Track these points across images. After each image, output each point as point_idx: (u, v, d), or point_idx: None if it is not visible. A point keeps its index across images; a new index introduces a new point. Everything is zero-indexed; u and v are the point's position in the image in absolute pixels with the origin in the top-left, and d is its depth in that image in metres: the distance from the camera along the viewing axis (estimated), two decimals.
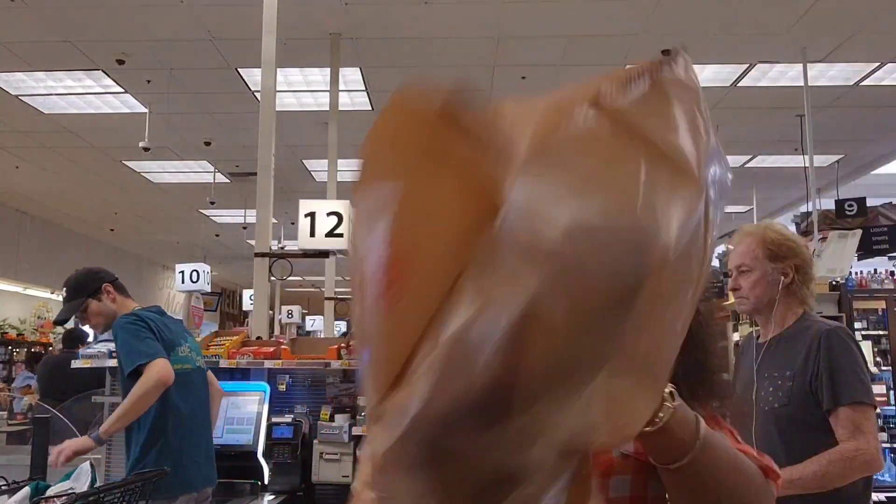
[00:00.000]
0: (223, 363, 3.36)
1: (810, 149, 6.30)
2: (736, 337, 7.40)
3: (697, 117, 0.60)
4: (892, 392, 5.79)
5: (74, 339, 6.56)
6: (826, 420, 1.85)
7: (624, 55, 6.06)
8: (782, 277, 1.96)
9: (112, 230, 13.13)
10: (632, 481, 0.77)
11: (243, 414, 3.32)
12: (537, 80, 6.47)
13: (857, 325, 5.98)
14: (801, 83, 6.15)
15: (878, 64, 6.30)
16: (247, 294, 13.43)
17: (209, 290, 9.59)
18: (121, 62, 6.19)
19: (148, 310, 2.89)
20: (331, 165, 6.59)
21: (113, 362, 2.92)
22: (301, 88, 6.87)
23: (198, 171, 9.50)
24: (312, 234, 4.32)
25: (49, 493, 2.06)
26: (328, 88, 6.40)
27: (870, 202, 7.50)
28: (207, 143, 8.37)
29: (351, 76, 6.54)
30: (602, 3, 5.27)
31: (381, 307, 0.53)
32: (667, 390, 0.63)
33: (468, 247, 0.50)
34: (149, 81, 6.59)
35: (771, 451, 0.98)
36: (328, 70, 6.17)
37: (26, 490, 2.11)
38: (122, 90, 6.85)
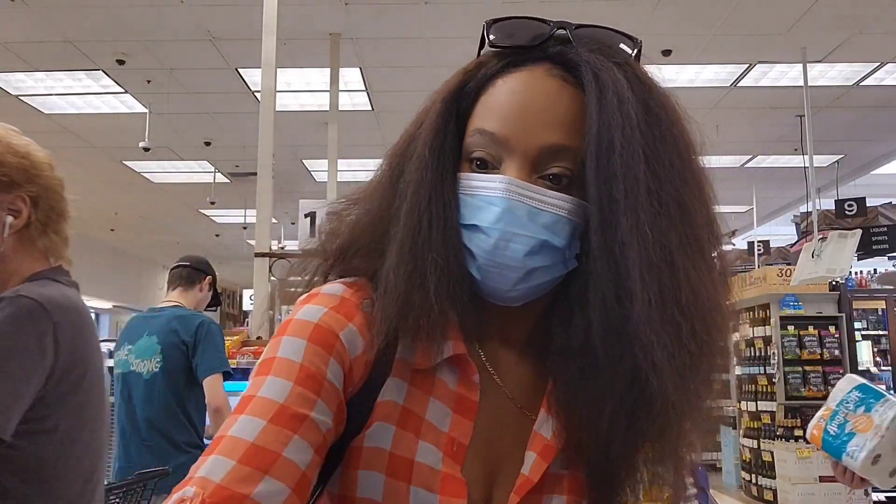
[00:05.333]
0: None
1: (810, 149, 6.30)
2: (736, 337, 7.40)
3: None
4: (890, 392, 5.80)
5: None
6: None
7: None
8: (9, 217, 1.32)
9: (113, 230, 13.13)
10: (567, 502, 0.72)
11: None
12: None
13: (856, 325, 6.00)
14: (801, 83, 6.15)
15: (878, 64, 6.30)
16: (247, 294, 13.44)
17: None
18: (121, 62, 6.19)
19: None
20: (331, 165, 6.59)
21: (111, 362, 2.93)
22: (301, 88, 6.86)
23: (198, 171, 9.50)
24: (312, 234, 4.33)
25: None
26: (328, 88, 6.40)
27: (869, 202, 7.51)
28: (207, 143, 8.37)
29: (351, 76, 6.54)
30: (602, 3, 5.27)
31: None
32: None
33: None
34: (149, 81, 6.59)
35: None
36: (328, 70, 6.17)
37: None
38: (122, 90, 6.84)
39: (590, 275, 0.64)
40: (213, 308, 3.19)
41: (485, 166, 0.67)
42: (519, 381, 0.72)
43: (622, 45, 0.71)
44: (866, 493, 4.13)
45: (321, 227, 0.77)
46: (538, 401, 0.71)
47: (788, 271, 5.67)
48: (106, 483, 2.35)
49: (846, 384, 2.30)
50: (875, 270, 7.50)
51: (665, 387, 0.61)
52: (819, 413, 2.31)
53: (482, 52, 0.72)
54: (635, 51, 0.71)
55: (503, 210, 0.64)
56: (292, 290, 0.79)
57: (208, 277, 3.07)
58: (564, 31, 0.69)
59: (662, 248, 0.62)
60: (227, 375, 2.79)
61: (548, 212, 0.65)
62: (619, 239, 0.62)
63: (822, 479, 4.34)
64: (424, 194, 0.67)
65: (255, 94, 6.65)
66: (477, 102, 0.69)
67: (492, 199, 0.65)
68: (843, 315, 5.43)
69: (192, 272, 3.03)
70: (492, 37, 0.70)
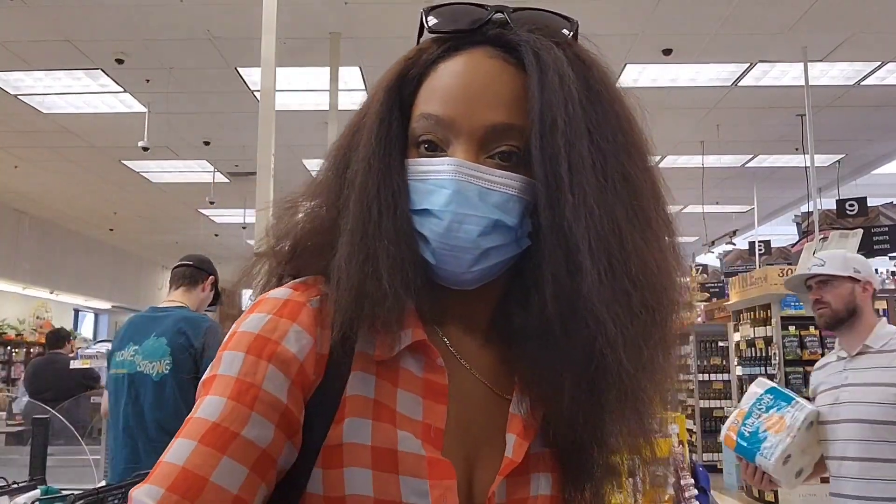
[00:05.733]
0: None
1: (811, 148, 6.30)
2: (737, 337, 7.40)
3: None
4: None
5: (61, 339, 6.52)
6: None
7: (624, 55, 6.05)
8: None
9: (111, 230, 13.12)
10: (554, 479, 0.74)
11: None
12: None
13: None
14: (802, 83, 6.15)
15: (878, 63, 6.29)
16: (246, 294, 13.43)
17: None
18: (120, 61, 6.18)
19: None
20: None
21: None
22: (301, 88, 6.85)
23: (197, 171, 9.49)
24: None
25: None
26: (328, 88, 6.39)
27: (871, 202, 7.51)
28: (207, 143, 8.36)
29: (351, 76, 6.53)
30: (602, 3, 5.26)
31: None
32: None
33: None
34: (148, 81, 6.58)
35: None
36: (328, 70, 6.16)
37: (36, 492, 2.10)
38: (122, 89, 6.83)
39: (541, 252, 0.65)
40: (213, 307, 3.18)
41: (433, 149, 0.67)
42: (488, 365, 0.72)
43: (560, 26, 0.71)
44: None
45: (269, 229, 0.76)
46: (510, 382, 0.72)
47: (789, 271, 5.66)
48: (106, 483, 2.35)
49: (758, 387, 2.36)
50: (876, 270, 7.49)
51: (619, 356, 0.63)
52: (732, 416, 2.38)
53: (422, 40, 0.73)
54: (573, 32, 0.71)
55: (454, 192, 0.64)
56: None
57: (211, 277, 3.05)
58: (502, 15, 0.70)
59: (610, 222, 0.63)
60: None
61: (498, 191, 0.65)
62: (566, 215, 0.63)
63: (822, 479, 4.33)
64: (372, 183, 0.66)
65: (255, 93, 6.64)
66: (420, 88, 0.69)
67: (442, 181, 0.65)
68: None
69: (194, 272, 3.01)
70: (431, 23, 0.71)
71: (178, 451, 0.59)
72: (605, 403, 0.66)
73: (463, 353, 0.72)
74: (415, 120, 0.69)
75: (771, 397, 2.29)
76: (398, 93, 0.70)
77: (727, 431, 2.33)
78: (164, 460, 0.59)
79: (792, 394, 2.32)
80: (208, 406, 0.61)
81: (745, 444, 2.26)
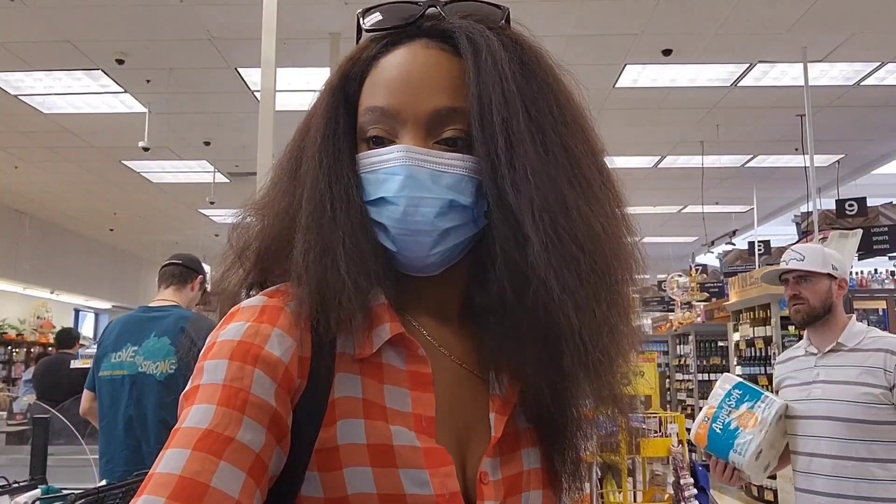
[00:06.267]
0: None
1: (811, 148, 6.30)
2: (736, 337, 7.40)
3: None
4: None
5: (71, 339, 6.55)
6: None
7: (624, 55, 6.05)
8: None
9: (112, 230, 13.13)
10: (546, 496, 0.75)
11: None
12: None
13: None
14: (802, 83, 6.15)
15: (878, 63, 6.29)
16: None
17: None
18: (120, 62, 6.18)
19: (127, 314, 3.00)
20: None
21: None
22: (301, 88, 6.85)
23: (197, 171, 9.49)
24: None
25: None
26: None
27: (870, 202, 7.51)
28: (207, 143, 8.36)
29: None
30: (602, 3, 5.26)
31: None
32: None
33: None
34: (148, 81, 6.58)
35: None
36: (328, 70, 6.16)
37: (36, 492, 2.10)
38: (122, 90, 6.83)
39: (493, 229, 0.67)
40: (199, 306, 3.18)
41: (381, 143, 0.69)
42: (466, 348, 0.74)
43: (492, 13, 0.74)
44: None
45: (231, 241, 0.77)
46: (486, 362, 0.74)
47: None
48: (106, 483, 2.35)
49: (725, 383, 2.36)
50: (876, 270, 7.49)
51: (572, 320, 0.64)
52: (702, 413, 2.37)
53: (360, 40, 0.75)
54: (504, 17, 0.74)
55: (406, 177, 0.66)
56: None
57: (200, 276, 3.05)
58: (435, 8, 0.72)
59: (553, 192, 0.65)
60: None
61: (449, 173, 0.67)
62: (508, 189, 0.65)
63: None
64: (323, 179, 0.68)
65: (255, 93, 6.64)
66: (363, 85, 0.71)
67: (393, 168, 0.67)
68: None
69: (184, 271, 3.01)
70: (368, 23, 0.73)
71: (172, 460, 0.57)
72: (565, 368, 0.67)
73: (440, 340, 0.73)
74: (361, 115, 0.70)
75: (740, 392, 2.29)
76: (343, 92, 0.72)
77: (697, 430, 2.32)
78: (158, 472, 0.56)
79: (760, 389, 2.32)
80: (196, 415, 0.59)
81: (717, 442, 2.26)
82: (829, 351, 2.28)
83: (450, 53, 0.70)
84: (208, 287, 3.12)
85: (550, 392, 0.70)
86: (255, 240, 0.74)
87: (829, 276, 2.31)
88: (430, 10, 0.72)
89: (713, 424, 2.28)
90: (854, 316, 2.38)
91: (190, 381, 0.64)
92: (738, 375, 2.55)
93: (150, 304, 2.99)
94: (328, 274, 0.65)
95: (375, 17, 0.73)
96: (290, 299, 0.67)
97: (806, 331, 2.39)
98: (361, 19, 0.74)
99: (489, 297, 0.69)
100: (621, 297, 0.70)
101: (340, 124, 0.71)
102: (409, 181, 0.66)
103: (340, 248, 0.65)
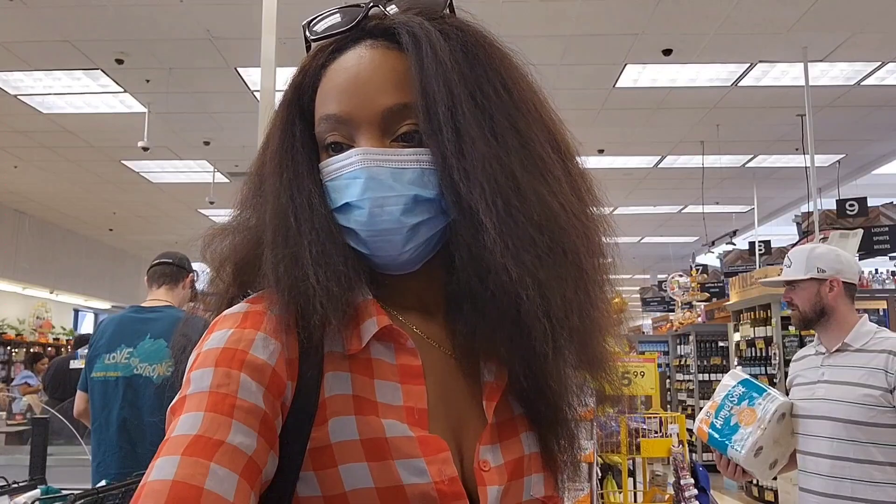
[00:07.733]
0: None
1: (811, 148, 6.29)
2: (737, 337, 7.40)
3: None
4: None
5: (86, 342, 6.59)
6: None
7: (624, 55, 6.05)
8: None
9: (111, 230, 13.12)
10: (546, 479, 0.75)
11: None
12: (537, 79, 6.46)
13: None
14: (802, 83, 6.14)
15: (879, 63, 6.29)
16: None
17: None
18: (120, 62, 6.18)
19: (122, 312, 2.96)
20: None
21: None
22: None
23: (197, 171, 9.49)
24: None
25: None
26: None
27: (871, 202, 7.51)
28: (206, 143, 8.36)
29: None
30: (602, 3, 5.26)
31: None
32: None
33: None
34: (148, 81, 6.57)
35: None
36: None
37: (36, 492, 2.09)
38: (121, 89, 6.83)
39: (453, 220, 0.67)
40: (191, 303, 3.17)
41: (341, 148, 0.69)
42: (453, 340, 0.74)
43: (433, 3, 0.74)
44: None
45: (205, 257, 0.78)
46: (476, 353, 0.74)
47: None
48: (105, 483, 2.34)
49: (731, 379, 2.36)
50: (876, 271, 7.49)
51: (535, 300, 0.65)
52: (705, 408, 2.38)
53: (309, 51, 0.76)
54: (446, 5, 0.74)
55: (366, 179, 0.66)
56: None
57: (191, 275, 3.03)
58: (377, 7, 0.73)
59: (504, 175, 0.65)
60: None
61: (409, 168, 0.67)
62: (461, 178, 0.65)
63: None
64: (285, 193, 0.69)
65: (255, 93, 6.64)
66: (316, 94, 0.72)
67: (353, 173, 0.67)
68: None
69: (175, 270, 2.98)
70: (312, 33, 0.74)
71: (162, 469, 0.55)
72: (537, 348, 0.67)
73: (428, 333, 0.73)
74: (317, 125, 0.71)
75: (743, 389, 2.29)
76: (298, 104, 0.73)
77: (699, 424, 2.33)
78: (149, 481, 0.55)
79: (765, 386, 2.32)
80: (184, 423, 0.58)
81: (716, 437, 2.26)
82: (835, 351, 2.27)
83: (395, 50, 0.70)
84: (198, 285, 3.10)
85: (527, 372, 0.70)
86: (229, 258, 0.75)
87: (814, 279, 2.29)
88: (373, 10, 0.72)
89: (714, 420, 2.28)
90: (865, 316, 2.35)
91: (179, 392, 0.63)
92: None
93: (142, 304, 2.93)
94: (299, 284, 0.65)
95: (320, 24, 0.74)
96: (272, 304, 0.67)
97: (816, 331, 2.39)
98: (306, 30, 0.74)
99: (459, 286, 0.69)
100: (587, 274, 0.70)
101: (297, 136, 0.72)
102: (371, 182, 0.66)
103: (308, 258, 0.66)
